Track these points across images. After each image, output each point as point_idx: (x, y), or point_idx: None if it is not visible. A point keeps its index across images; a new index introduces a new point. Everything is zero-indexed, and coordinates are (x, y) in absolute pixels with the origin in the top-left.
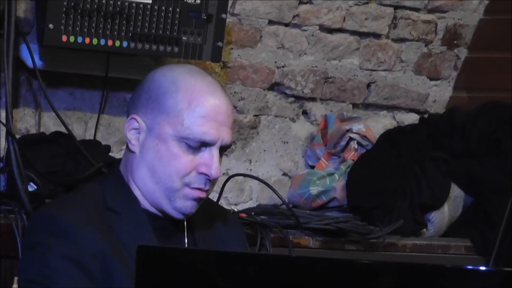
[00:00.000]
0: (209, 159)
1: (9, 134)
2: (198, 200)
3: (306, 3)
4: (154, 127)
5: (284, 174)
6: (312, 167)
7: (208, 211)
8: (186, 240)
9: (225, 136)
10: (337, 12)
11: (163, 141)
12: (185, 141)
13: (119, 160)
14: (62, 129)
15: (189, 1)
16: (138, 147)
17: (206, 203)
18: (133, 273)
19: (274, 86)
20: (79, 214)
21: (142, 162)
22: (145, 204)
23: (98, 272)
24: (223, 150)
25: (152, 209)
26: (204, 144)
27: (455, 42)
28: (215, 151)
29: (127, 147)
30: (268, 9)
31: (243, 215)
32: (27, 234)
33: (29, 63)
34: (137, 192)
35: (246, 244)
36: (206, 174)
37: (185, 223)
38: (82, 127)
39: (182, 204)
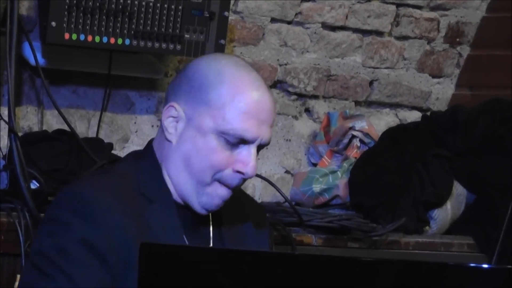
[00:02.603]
0: (247, 156)
1: (12, 132)
2: (224, 198)
3: (309, 0)
4: (193, 118)
5: (287, 171)
6: (315, 164)
7: (239, 206)
8: (211, 235)
9: (265, 134)
10: (340, 10)
11: (202, 134)
12: (225, 136)
13: (151, 141)
14: (65, 127)
15: None
16: (175, 137)
17: (240, 196)
18: None
19: (277, 84)
20: (111, 199)
21: (177, 152)
22: (174, 194)
23: (117, 263)
24: (260, 148)
25: (180, 201)
26: (243, 141)
27: (457, 39)
28: (253, 149)
29: (162, 133)
30: (270, 6)
31: None
32: (52, 206)
33: (32, 61)
34: (167, 181)
35: (272, 245)
36: (241, 173)
37: (210, 217)
38: (85, 125)
39: (208, 200)
